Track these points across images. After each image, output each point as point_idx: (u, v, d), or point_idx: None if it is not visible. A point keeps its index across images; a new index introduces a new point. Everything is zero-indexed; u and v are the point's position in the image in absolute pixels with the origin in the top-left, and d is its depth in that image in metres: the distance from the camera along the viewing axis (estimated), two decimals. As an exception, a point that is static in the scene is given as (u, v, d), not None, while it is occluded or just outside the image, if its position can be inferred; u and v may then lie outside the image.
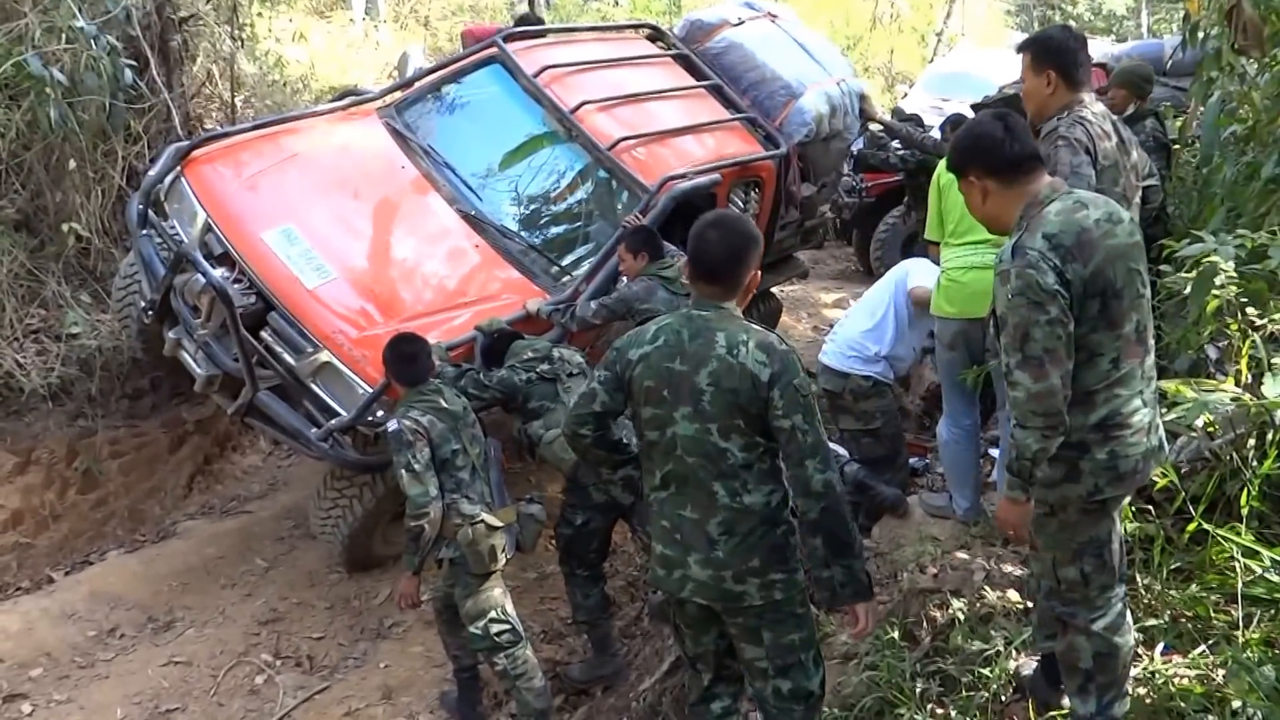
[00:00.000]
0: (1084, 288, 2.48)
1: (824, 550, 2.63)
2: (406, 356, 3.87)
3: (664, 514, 2.77)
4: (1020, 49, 3.53)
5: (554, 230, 5.43)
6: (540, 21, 7.79)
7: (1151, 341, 2.67)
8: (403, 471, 3.65)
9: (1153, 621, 3.22)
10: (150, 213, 4.82)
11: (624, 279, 4.86)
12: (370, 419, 4.34)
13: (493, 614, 3.83)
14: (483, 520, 3.76)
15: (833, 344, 4.75)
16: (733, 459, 2.63)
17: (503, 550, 3.85)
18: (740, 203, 5.94)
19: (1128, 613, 2.83)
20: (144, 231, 4.78)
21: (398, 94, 5.81)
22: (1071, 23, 25.59)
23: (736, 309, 2.71)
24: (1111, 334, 2.55)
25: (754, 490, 2.65)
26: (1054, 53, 3.37)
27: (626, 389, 2.75)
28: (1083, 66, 3.38)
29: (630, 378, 2.72)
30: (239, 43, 7.35)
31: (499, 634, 3.83)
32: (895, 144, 7.91)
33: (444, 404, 3.82)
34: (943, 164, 4.00)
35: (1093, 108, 3.36)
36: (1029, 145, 2.64)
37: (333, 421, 4.36)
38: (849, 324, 4.77)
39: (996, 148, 2.60)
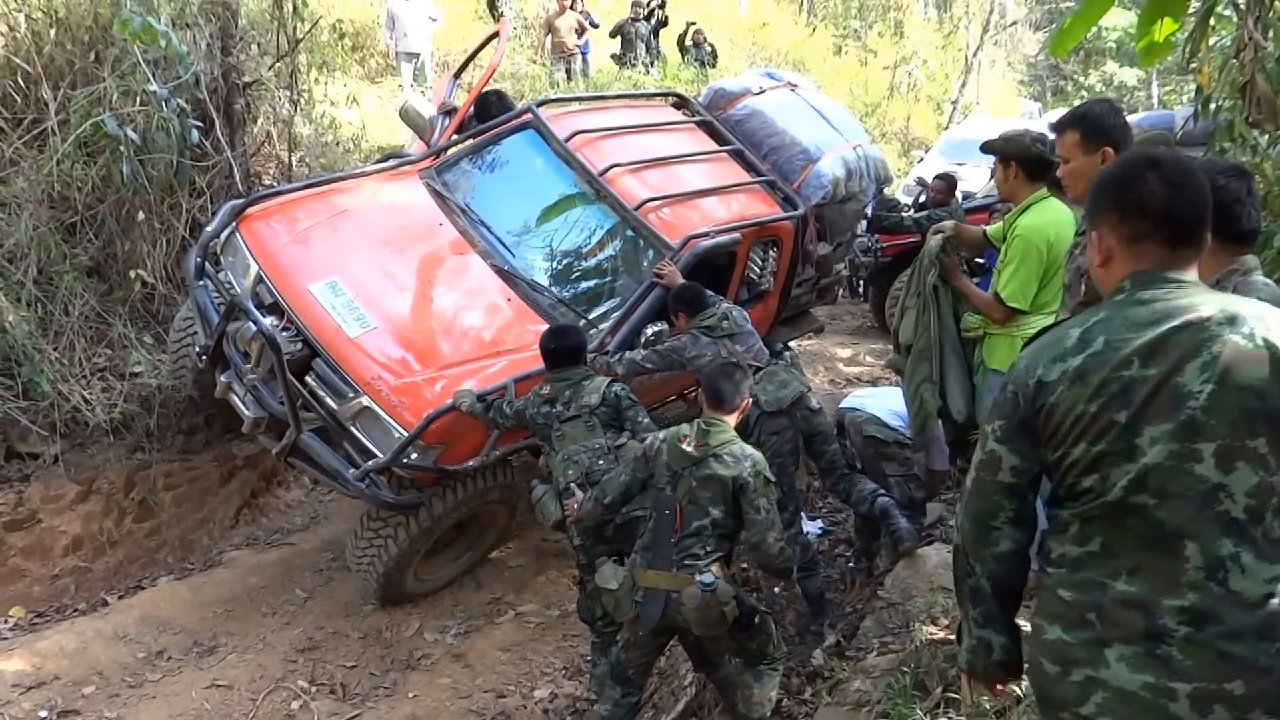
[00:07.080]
0: None
1: None
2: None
3: None
4: (1063, 126, 3.03)
5: (583, 285, 5.42)
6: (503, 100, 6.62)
7: None
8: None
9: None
10: (206, 264, 4.88)
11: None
12: (405, 460, 4.36)
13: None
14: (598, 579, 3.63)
15: (881, 402, 4.86)
16: None
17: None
18: (760, 260, 5.94)
19: None
20: (200, 282, 4.83)
21: (438, 156, 5.85)
22: (1084, 94, 25.54)
23: None
24: None
25: None
26: (1108, 130, 2.94)
27: None
28: (1131, 144, 2.95)
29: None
30: (297, 106, 7.47)
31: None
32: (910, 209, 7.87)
33: (684, 447, 3.47)
34: (1050, 224, 3.64)
35: None
36: (1258, 218, 2.39)
37: (370, 463, 4.38)
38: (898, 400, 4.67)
39: (1234, 208, 2.31)
